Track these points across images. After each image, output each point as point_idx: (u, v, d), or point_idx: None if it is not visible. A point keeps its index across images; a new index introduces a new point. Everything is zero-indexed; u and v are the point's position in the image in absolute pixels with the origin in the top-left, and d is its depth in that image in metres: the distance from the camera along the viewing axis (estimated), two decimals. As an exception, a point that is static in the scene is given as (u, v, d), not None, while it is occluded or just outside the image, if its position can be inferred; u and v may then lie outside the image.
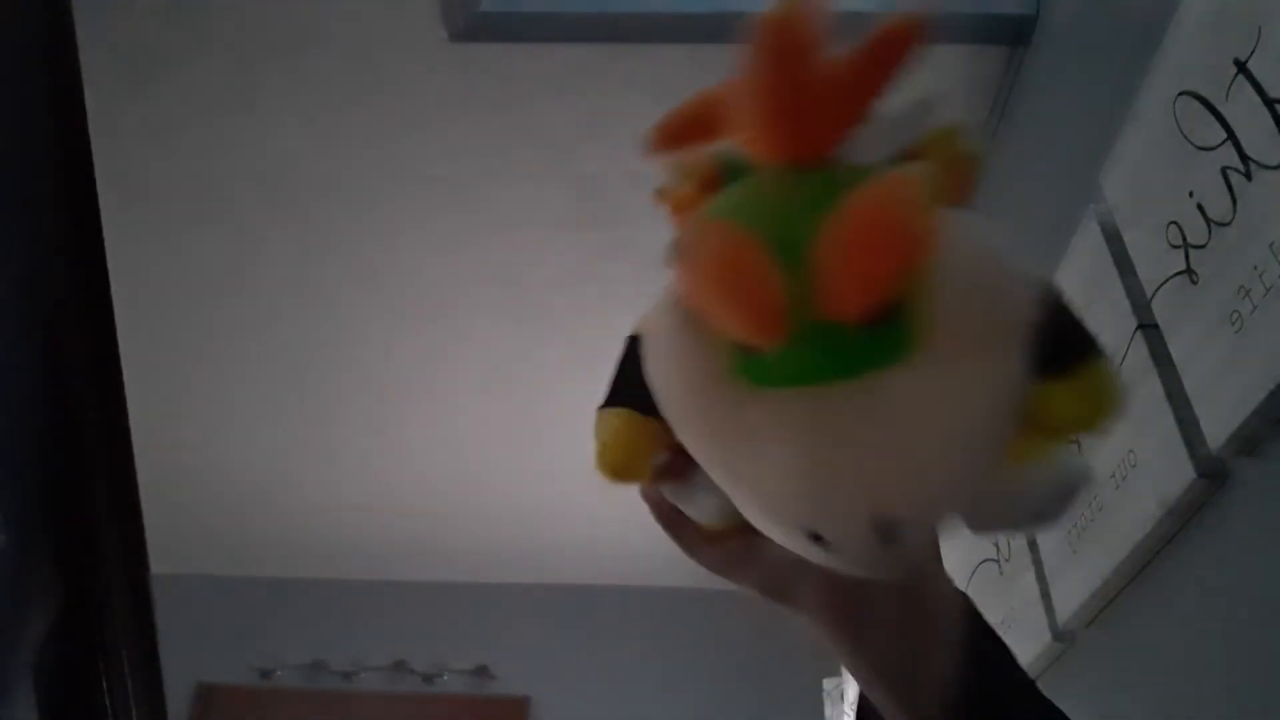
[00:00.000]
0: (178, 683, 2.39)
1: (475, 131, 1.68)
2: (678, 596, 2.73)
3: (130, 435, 0.68)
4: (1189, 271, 0.89)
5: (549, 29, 1.52)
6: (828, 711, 2.32)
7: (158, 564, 0.76)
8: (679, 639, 2.81)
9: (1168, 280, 0.92)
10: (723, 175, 0.35)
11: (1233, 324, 0.81)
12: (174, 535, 2.48)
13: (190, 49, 1.57)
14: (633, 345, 0.36)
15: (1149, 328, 0.96)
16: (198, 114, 1.67)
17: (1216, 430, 0.84)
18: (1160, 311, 0.94)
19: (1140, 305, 0.98)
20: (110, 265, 0.66)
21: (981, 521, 0.34)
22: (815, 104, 0.30)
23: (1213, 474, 0.86)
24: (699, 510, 0.38)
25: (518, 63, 1.57)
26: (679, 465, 0.36)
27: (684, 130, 0.35)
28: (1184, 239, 0.90)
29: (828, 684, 2.31)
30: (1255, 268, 0.78)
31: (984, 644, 0.40)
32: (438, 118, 1.66)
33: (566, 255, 1.91)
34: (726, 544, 0.39)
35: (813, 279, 0.26)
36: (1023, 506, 0.34)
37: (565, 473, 2.52)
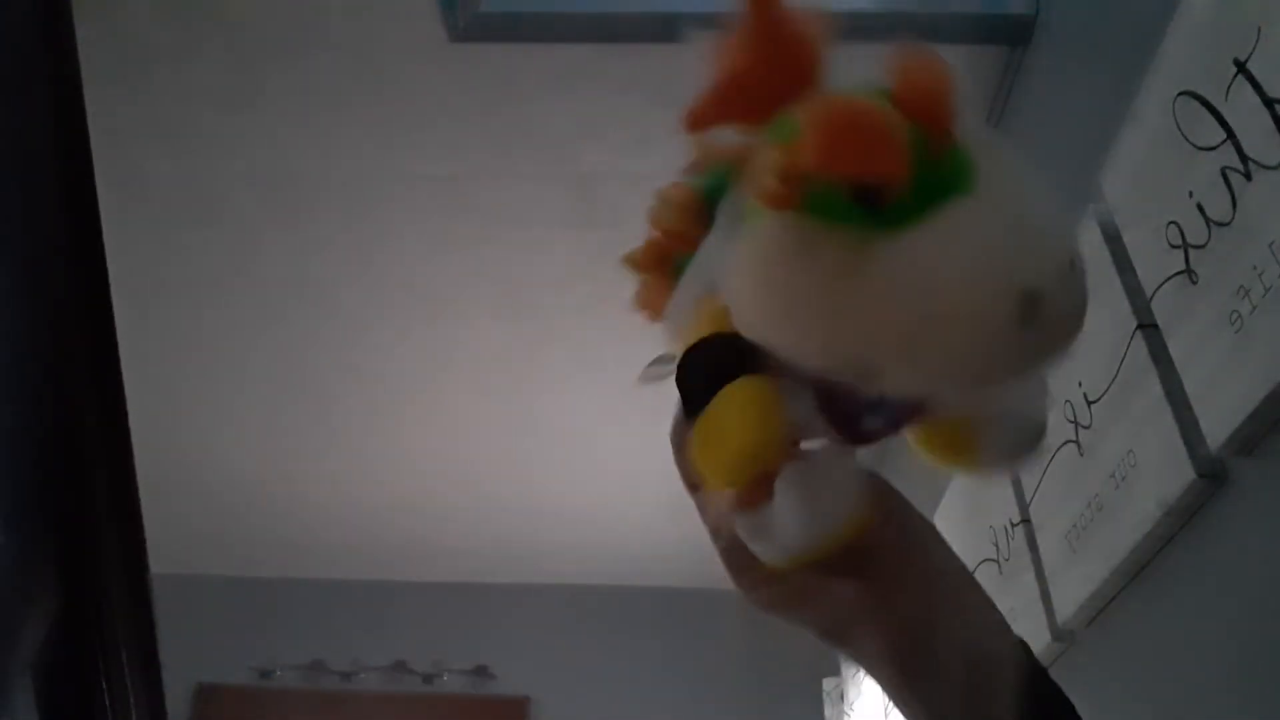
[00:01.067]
0: (177, 683, 2.39)
1: (474, 131, 1.68)
2: (677, 596, 2.73)
3: (130, 435, 0.68)
4: (1188, 271, 0.89)
5: (548, 29, 1.52)
6: (827, 711, 2.32)
7: (157, 564, 0.76)
8: (679, 639, 2.81)
9: (1167, 280, 0.92)
10: (704, 203, 0.37)
11: (1232, 324, 0.81)
12: (173, 535, 2.48)
13: (189, 48, 1.57)
14: (689, 355, 0.37)
15: (1148, 328, 0.96)
16: (197, 113, 1.67)
17: (1216, 430, 0.84)
18: (1160, 311, 0.94)
19: (1140, 305, 0.98)
20: (108, 265, 0.66)
21: (990, 453, 0.37)
22: (817, 38, 0.34)
23: (1212, 474, 0.86)
24: (770, 542, 0.38)
25: (517, 63, 1.57)
26: (757, 494, 0.36)
27: (720, 106, 0.36)
28: (1183, 239, 0.90)
29: (827, 684, 2.31)
30: (1255, 268, 0.78)
31: (1046, 696, 0.40)
32: (437, 117, 1.66)
33: (566, 255, 1.91)
34: (787, 583, 0.39)
35: (911, 111, 0.31)
36: (1018, 421, 0.37)
37: (565, 472, 2.52)
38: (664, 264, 0.41)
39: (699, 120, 0.36)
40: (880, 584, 0.39)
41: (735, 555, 0.39)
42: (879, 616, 0.37)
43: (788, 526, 0.37)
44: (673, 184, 0.39)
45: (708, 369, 0.36)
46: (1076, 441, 1.11)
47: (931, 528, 0.42)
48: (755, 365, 0.34)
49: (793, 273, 0.32)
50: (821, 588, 0.38)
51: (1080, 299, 0.33)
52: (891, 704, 0.40)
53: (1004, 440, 0.37)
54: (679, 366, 0.37)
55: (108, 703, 0.69)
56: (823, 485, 0.36)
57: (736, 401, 0.35)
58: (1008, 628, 0.40)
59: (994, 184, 0.32)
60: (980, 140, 0.33)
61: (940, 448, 0.38)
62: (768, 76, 0.34)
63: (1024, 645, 0.40)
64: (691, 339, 0.37)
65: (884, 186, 0.31)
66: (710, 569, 0.47)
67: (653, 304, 0.41)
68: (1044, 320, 0.31)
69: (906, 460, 0.38)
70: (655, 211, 0.39)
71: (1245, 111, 0.81)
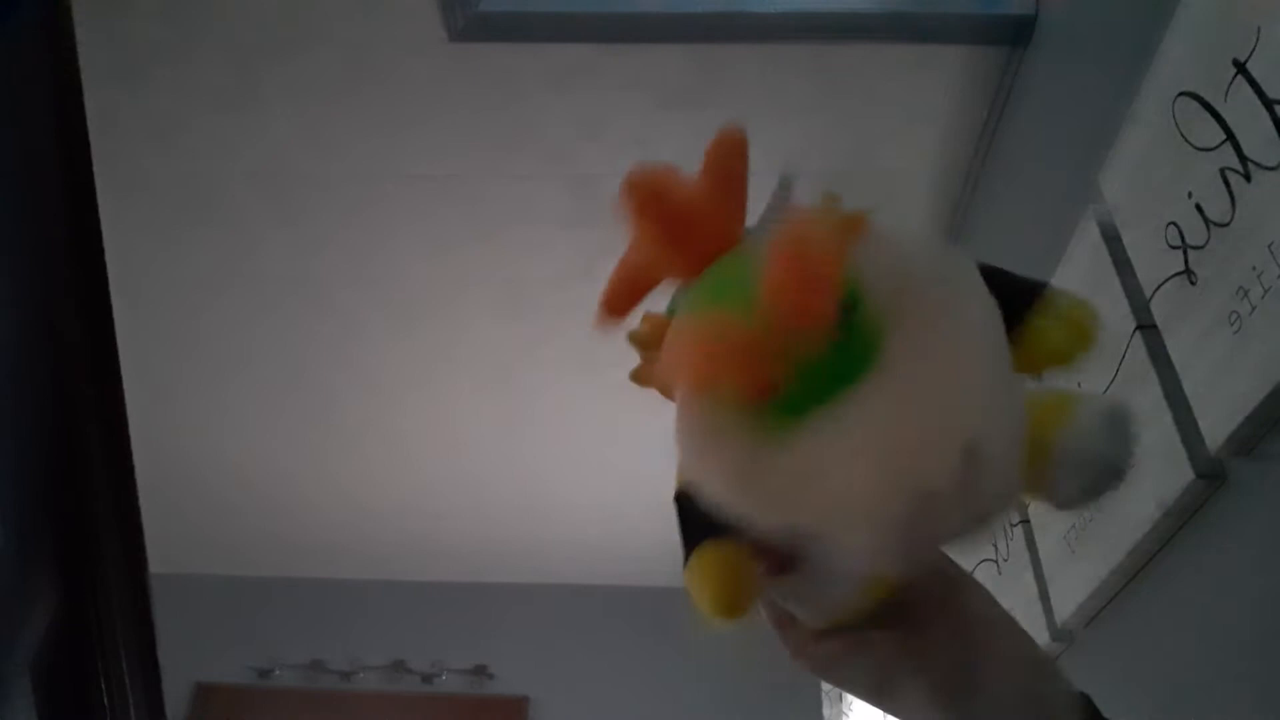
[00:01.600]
0: (176, 682, 2.38)
1: (474, 130, 1.68)
2: (676, 596, 2.71)
3: (129, 435, 0.68)
4: (1188, 272, 0.89)
5: (548, 28, 1.52)
6: (826, 711, 2.32)
7: (156, 564, 0.76)
8: (678, 639, 2.80)
9: (1166, 281, 0.93)
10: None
11: (1231, 325, 0.81)
12: (172, 535, 2.48)
13: (189, 47, 1.57)
14: (682, 501, 0.39)
15: (1148, 328, 0.96)
16: (196, 112, 1.66)
17: (1215, 431, 0.84)
18: (1159, 312, 0.94)
19: (1139, 306, 0.98)
20: (107, 263, 0.66)
21: (1064, 492, 0.36)
22: (693, 221, 0.36)
23: (1211, 475, 0.86)
24: (810, 603, 0.39)
25: (516, 62, 1.57)
26: (779, 565, 0.37)
27: (622, 293, 0.39)
28: (1183, 240, 0.90)
29: (827, 684, 2.31)
30: (1254, 268, 0.78)
31: None
32: (436, 117, 1.66)
33: (564, 254, 1.91)
34: (833, 642, 0.40)
35: (776, 319, 0.30)
36: (1087, 459, 0.36)
37: (564, 472, 2.52)
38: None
39: (612, 311, 0.39)
40: (921, 634, 0.39)
41: (778, 620, 0.41)
42: (922, 666, 0.38)
43: (816, 591, 0.38)
44: (645, 316, 0.41)
45: (686, 520, 0.38)
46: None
47: (968, 575, 0.42)
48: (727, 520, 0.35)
49: (712, 449, 0.33)
50: (864, 642, 0.39)
51: (985, 486, 0.32)
52: None
53: (1078, 480, 0.37)
54: (675, 499, 0.40)
55: (106, 702, 0.69)
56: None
57: (704, 570, 0.37)
58: (1058, 672, 0.40)
59: (898, 362, 0.31)
60: (906, 271, 0.32)
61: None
62: (659, 265, 0.37)
63: (1084, 696, 0.40)
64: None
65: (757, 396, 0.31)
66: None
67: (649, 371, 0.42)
68: (942, 514, 0.31)
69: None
70: (632, 346, 0.41)
71: (1245, 112, 0.81)
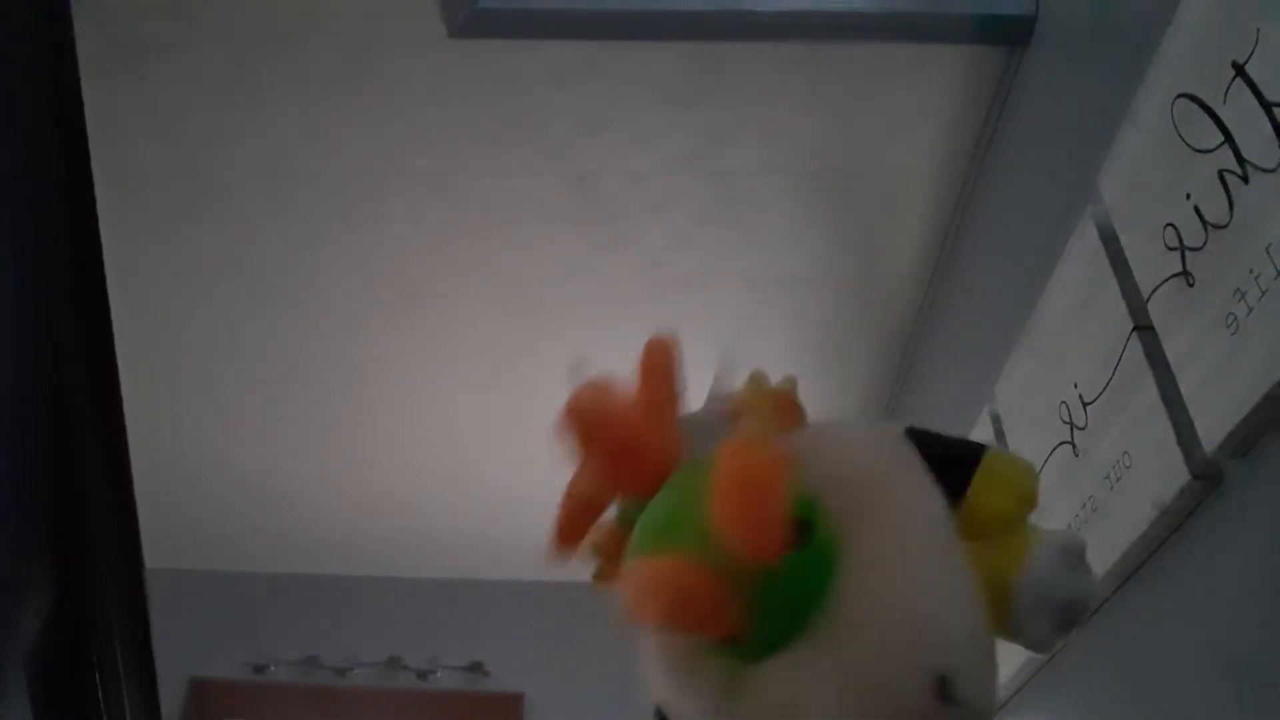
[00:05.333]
0: (171, 677, 2.38)
1: (472, 126, 1.68)
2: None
3: (126, 431, 0.68)
4: (1185, 274, 0.89)
5: (547, 25, 1.52)
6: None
7: (151, 559, 0.76)
8: (673, 636, 2.81)
9: (1164, 282, 0.93)
10: (628, 532, 0.40)
11: (1228, 326, 0.81)
12: (168, 530, 2.47)
13: (187, 41, 1.56)
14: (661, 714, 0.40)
15: (1145, 330, 0.96)
16: (194, 106, 1.66)
17: (1211, 432, 0.84)
18: (1156, 314, 0.94)
19: (1136, 307, 0.98)
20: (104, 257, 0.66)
21: (1036, 634, 0.37)
22: (635, 445, 0.37)
23: (1207, 476, 0.87)
24: None
25: (516, 58, 1.57)
26: None
27: (573, 524, 0.42)
28: (1181, 241, 0.90)
29: None
30: (1251, 271, 0.78)
31: None
32: (435, 112, 1.66)
33: (562, 250, 1.91)
34: None
35: (732, 557, 0.31)
36: (1055, 600, 0.37)
37: (560, 468, 2.51)
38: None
39: (565, 541, 0.42)
40: None
41: None
42: None
43: None
44: (598, 528, 0.42)
45: None
46: (1072, 443, 1.11)
47: None
48: None
49: (686, 684, 0.35)
50: None
51: (966, 705, 0.32)
52: None
53: (1048, 621, 0.38)
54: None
55: (102, 696, 0.69)
56: None
57: None
58: None
59: (860, 581, 0.31)
60: (857, 479, 0.33)
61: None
62: (607, 490, 0.39)
63: None
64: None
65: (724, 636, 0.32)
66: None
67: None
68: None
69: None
70: (594, 557, 0.43)
71: (1243, 114, 0.81)
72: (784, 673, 0.31)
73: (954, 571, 0.34)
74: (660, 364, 0.38)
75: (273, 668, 2.81)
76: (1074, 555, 0.38)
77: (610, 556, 0.41)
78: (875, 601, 0.32)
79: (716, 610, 0.30)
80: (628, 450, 0.37)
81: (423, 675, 2.81)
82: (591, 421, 0.37)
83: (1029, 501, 0.38)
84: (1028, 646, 0.38)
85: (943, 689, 0.31)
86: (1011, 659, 1.23)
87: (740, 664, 0.32)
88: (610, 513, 0.42)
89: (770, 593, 0.31)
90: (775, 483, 0.31)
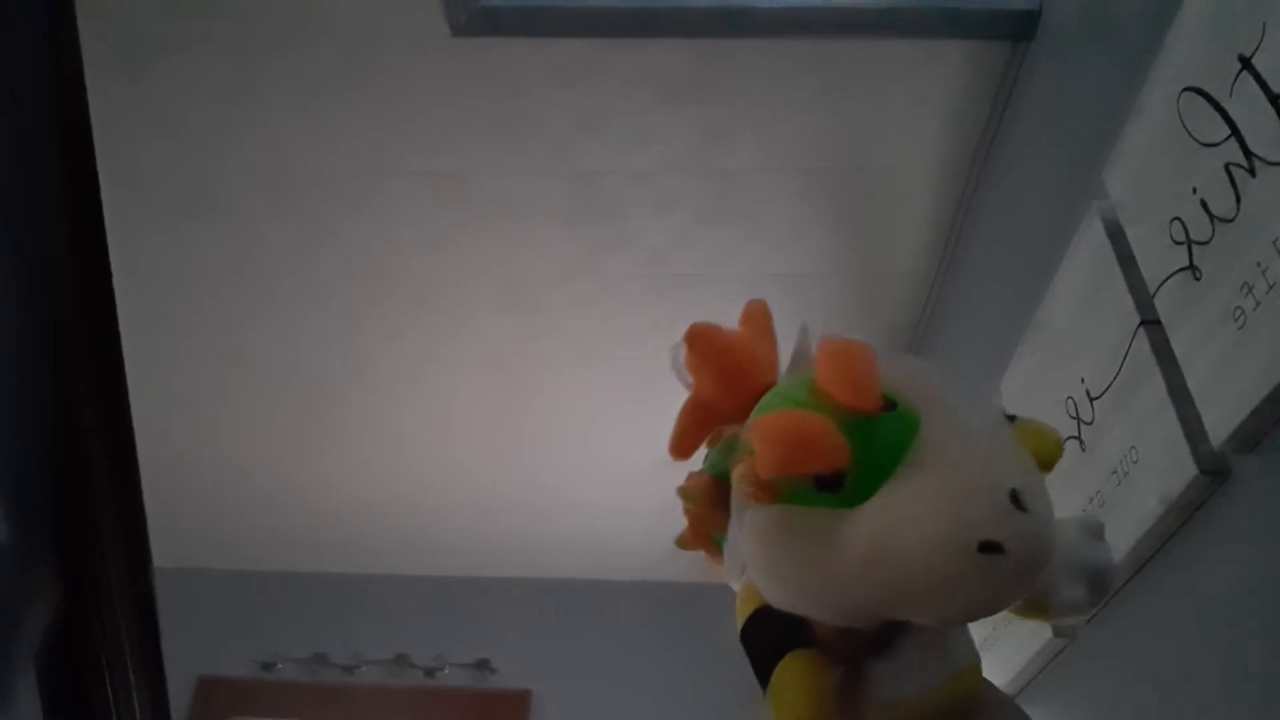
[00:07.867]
0: (179, 676, 2.39)
1: (475, 125, 1.68)
2: (678, 591, 2.72)
3: (133, 430, 0.68)
4: (1192, 268, 0.89)
5: (550, 23, 1.52)
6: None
7: (159, 558, 0.76)
8: (680, 633, 2.81)
9: (1170, 277, 0.92)
10: (717, 485, 0.46)
11: (1235, 320, 0.81)
12: (175, 529, 2.48)
13: (190, 40, 1.56)
14: (750, 632, 0.46)
15: (1151, 324, 0.96)
16: (197, 105, 1.66)
17: (1218, 427, 0.84)
18: (1163, 308, 0.94)
19: (1143, 302, 0.98)
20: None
21: (1069, 599, 0.46)
22: (745, 362, 0.45)
23: (1214, 470, 0.86)
24: (878, 703, 0.45)
25: (518, 57, 1.57)
26: (851, 669, 0.44)
27: (687, 434, 0.47)
28: (1187, 235, 0.89)
29: (827, 679, 2.31)
30: (1258, 264, 0.78)
31: None
32: (437, 111, 1.66)
33: (565, 249, 1.91)
34: None
35: (838, 404, 0.39)
36: (1085, 567, 0.46)
37: (564, 467, 2.52)
38: (706, 541, 0.51)
39: (679, 451, 0.47)
40: None
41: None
42: None
43: (888, 684, 0.44)
44: (690, 475, 0.49)
45: (760, 645, 0.45)
46: (1079, 437, 1.11)
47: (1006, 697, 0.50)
48: (800, 633, 0.43)
49: (785, 551, 0.40)
50: None
51: (1032, 527, 0.40)
52: None
53: (1081, 586, 0.46)
54: (741, 635, 0.47)
55: (110, 694, 0.69)
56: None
57: (788, 683, 0.43)
58: None
59: (934, 436, 0.39)
60: (917, 383, 0.41)
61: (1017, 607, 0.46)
62: (720, 400, 0.45)
63: None
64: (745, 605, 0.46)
65: (834, 473, 0.38)
66: (709, 564, 0.50)
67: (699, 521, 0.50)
68: (1005, 560, 0.37)
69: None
70: (683, 500, 0.49)
71: (1249, 107, 0.81)
72: (879, 509, 0.38)
73: (1006, 438, 0.43)
74: (758, 314, 0.47)
75: (280, 666, 2.82)
76: (1094, 530, 0.47)
77: (697, 502, 0.47)
78: (954, 450, 0.39)
79: (827, 449, 0.37)
80: (739, 366, 0.44)
81: (430, 672, 2.81)
82: (709, 341, 0.44)
83: (1059, 449, 0.48)
84: (1061, 613, 0.48)
85: (1015, 498, 0.39)
86: (1021, 651, 1.23)
87: (840, 510, 0.38)
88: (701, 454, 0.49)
89: (870, 439, 0.38)
90: (869, 354, 0.39)
